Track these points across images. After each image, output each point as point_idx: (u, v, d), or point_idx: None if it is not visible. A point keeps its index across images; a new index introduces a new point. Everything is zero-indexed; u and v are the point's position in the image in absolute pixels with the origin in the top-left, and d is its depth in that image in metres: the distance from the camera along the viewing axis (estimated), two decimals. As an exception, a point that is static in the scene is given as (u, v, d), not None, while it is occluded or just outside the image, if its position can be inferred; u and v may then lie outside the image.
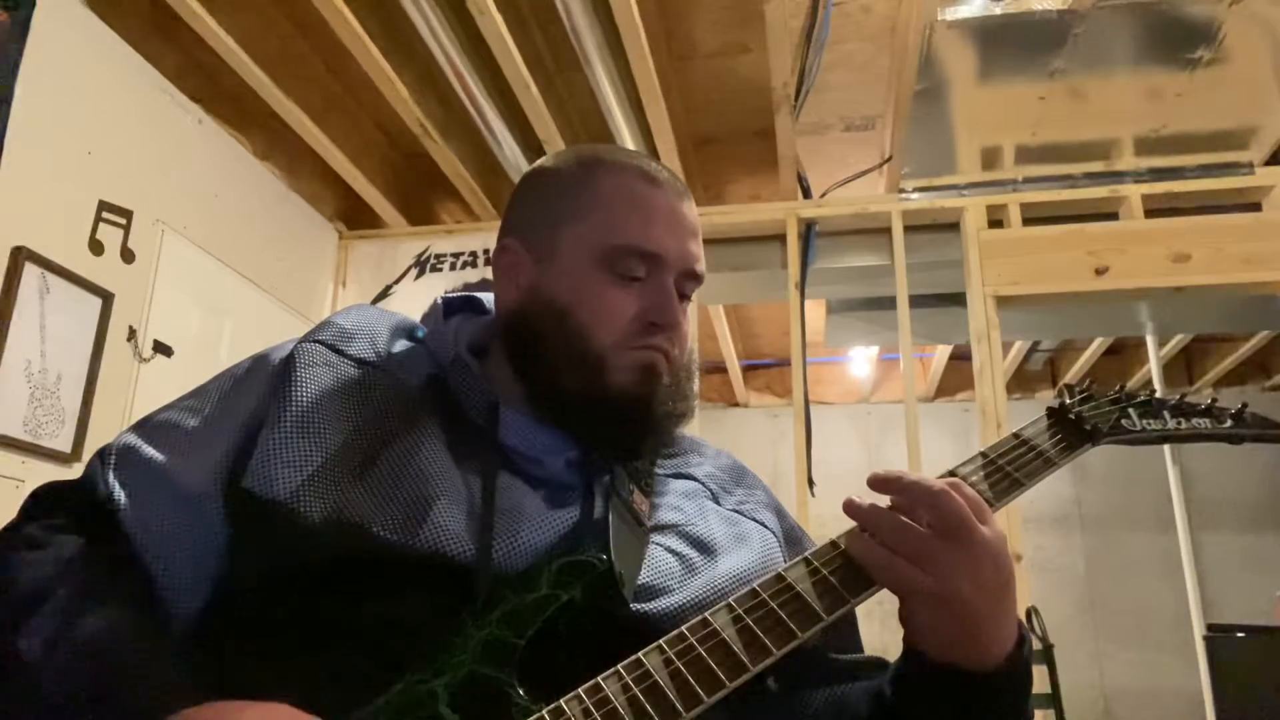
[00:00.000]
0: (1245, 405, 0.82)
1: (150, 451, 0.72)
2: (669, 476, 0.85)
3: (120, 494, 0.70)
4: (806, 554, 0.68)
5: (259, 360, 0.79)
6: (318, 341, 0.78)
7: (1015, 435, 0.78)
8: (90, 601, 0.63)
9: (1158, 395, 0.84)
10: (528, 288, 0.80)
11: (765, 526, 0.84)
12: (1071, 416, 0.80)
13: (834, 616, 0.63)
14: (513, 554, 0.68)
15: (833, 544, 0.69)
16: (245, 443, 0.71)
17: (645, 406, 0.76)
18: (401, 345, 0.82)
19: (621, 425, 0.76)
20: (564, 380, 0.75)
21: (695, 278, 0.81)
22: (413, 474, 0.70)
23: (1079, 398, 0.83)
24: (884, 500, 0.67)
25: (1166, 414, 0.82)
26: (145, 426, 0.76)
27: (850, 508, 0.66)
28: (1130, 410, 0.82)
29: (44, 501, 0.73)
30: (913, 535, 0.62)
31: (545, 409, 0.77)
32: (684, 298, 0.81)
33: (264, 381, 0.76)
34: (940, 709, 0.65)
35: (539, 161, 0.88)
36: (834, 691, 0.78)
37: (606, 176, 0.80)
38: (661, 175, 0.81)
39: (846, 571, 0.66)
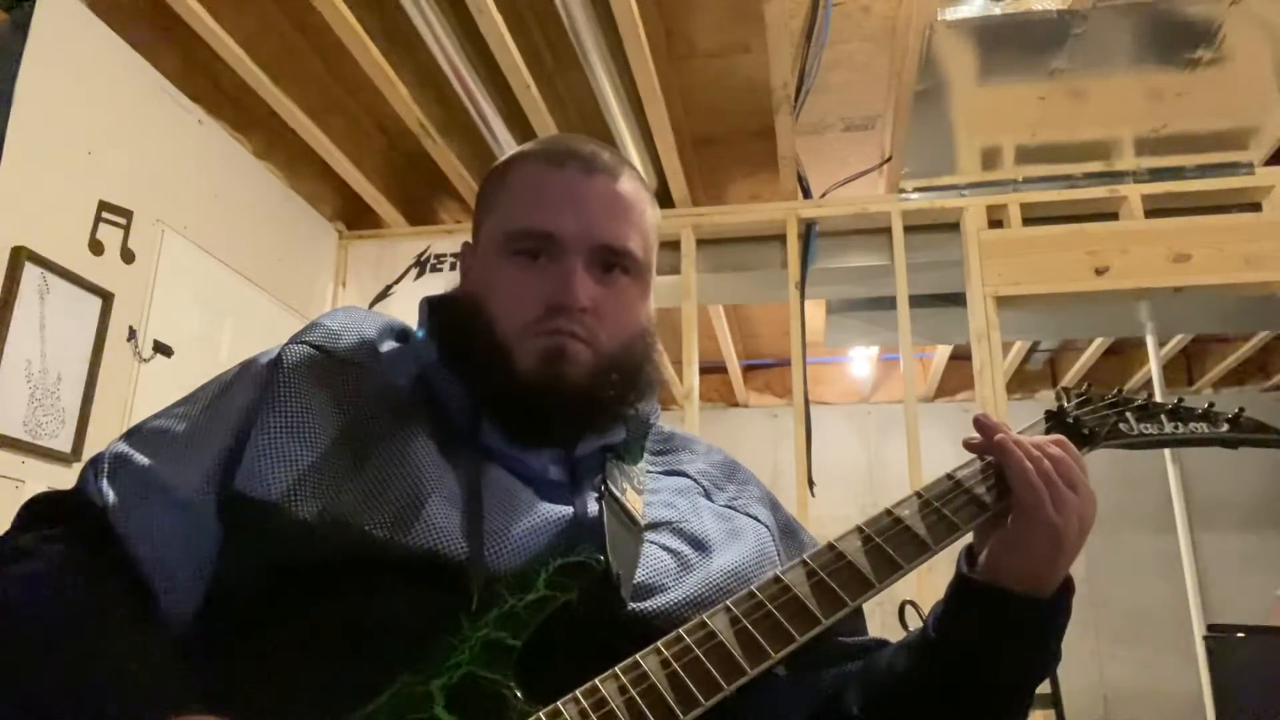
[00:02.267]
0: (1242, 410, 0.83)
1: (142, 459, 0.72)
2: (661, 474, 0.85)
3: (114, 501, 0.70)
4: (805, 556, 0.68)
5: (246, 365, 0.80)
6: (305, 343, 0.78)
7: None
8: (87, 609, 0.63)
9: (1155, 399, 0.84)
10: (464, 284, 0.84)
11: (759, 521, 0.84)
12: (1069, 420, 0.80)
13: (832, 620, 0.64)
14: (504, 552, 0.68)
15: (830, 546, 0.69)
16: (236, 445, 0.71)
17: (553, 393, 0.74)
18: (389, 346, 0.82)
19: (532, 412, 0.75)
20: (480, 371, 0.76)
21: (615, 252, 0.78)
22: (403, 472, 0.70)
23: (1076, 401, 0.83)
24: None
25: (1163, 418, 0.82)
26: (136, 434, 0.76)
27: (1012, 441, 0.73)
28: (1128, 414, 0.82)
29: (37, 512, 0.73)
30: (1048, 471, 0.71)
31: (481, 403, 0.76)
32: (614, 272, 0.79)
33: (252, 384, 0.76)
34: (994, 628, 0.71)
35: None
36: (843, 669, 0.78)
37: (518, 167, 0.82)
38: (576, 155, 0.80)
39: (845, 574, 0.66)
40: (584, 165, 0.80)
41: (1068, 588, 0.72)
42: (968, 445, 0.76)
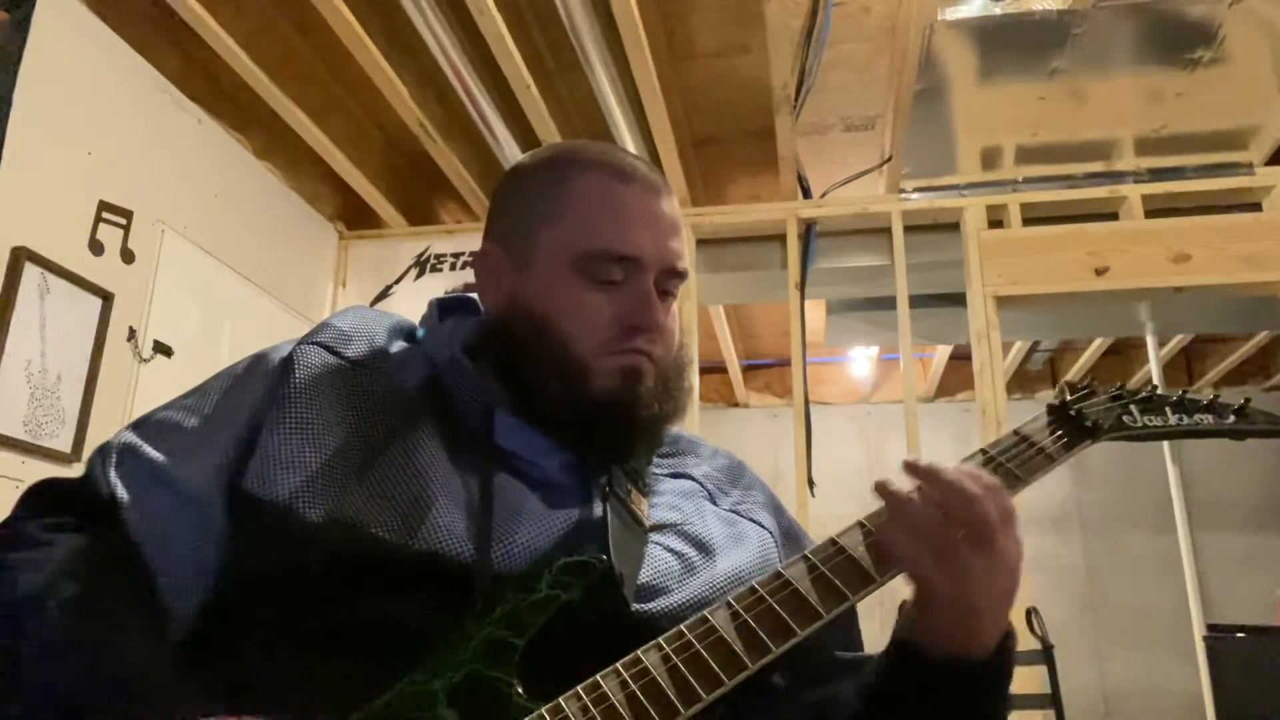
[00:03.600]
0: (1248, 400, 0.82)
1: (151, 451, 0.72)
2: (666, 476, 0.85)
3: (122, 492, 0.69)
4: (806, 552, 0.68)
5: (257, 359, 0.79)
6: (316, 343, 0.78)
7: (1016, 432, 0.78)
8: (91, 601, 0.63)
9: (1159, 391, 0.84)
10: (508, 294, 0.79)
11: (763, 527, 0.84)
12: (1072, 413, 0.80)
13: (833, 614, 0.64)
14: (511, 554, 0.68)
15: (832, 541, 0.69)
16: (245, 443, 0.71)
17: (629, 410, 0.75)
18: (399, 347, 0.82)
19: (607, 430, 0.75)
20: (547, 388, 0.75)
21: (677, 275, 0.79)
22: (411, 474, 0.70)
23: (1080, 394, 0.83)
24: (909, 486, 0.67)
25: (1168, 410, 0.81)
26: (145, 425, 0.75)
27: (886, 492, 0.66)
28: (1132, 406, 0.81)
29: (42, 499, 0.73)
30: (943, 536, 0.63)
31: (532, 416, 0.76)
32: (667, 295, 0.80)
33: (263, 382, 0.75)
34: (928, 695, 0.67)
35: (517, 161, 0.88)
36: (831, 689, 0.78)
37: (579, 176, 0.79)
38: (637, 172, 0.80)
39: (846, 569, 0.66)
40: (649, 183, 0.80)
41: (1005, 645, 0.66)
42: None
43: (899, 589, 0.73)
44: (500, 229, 0.83)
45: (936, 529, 0.63)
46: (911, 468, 0.65)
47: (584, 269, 0.76)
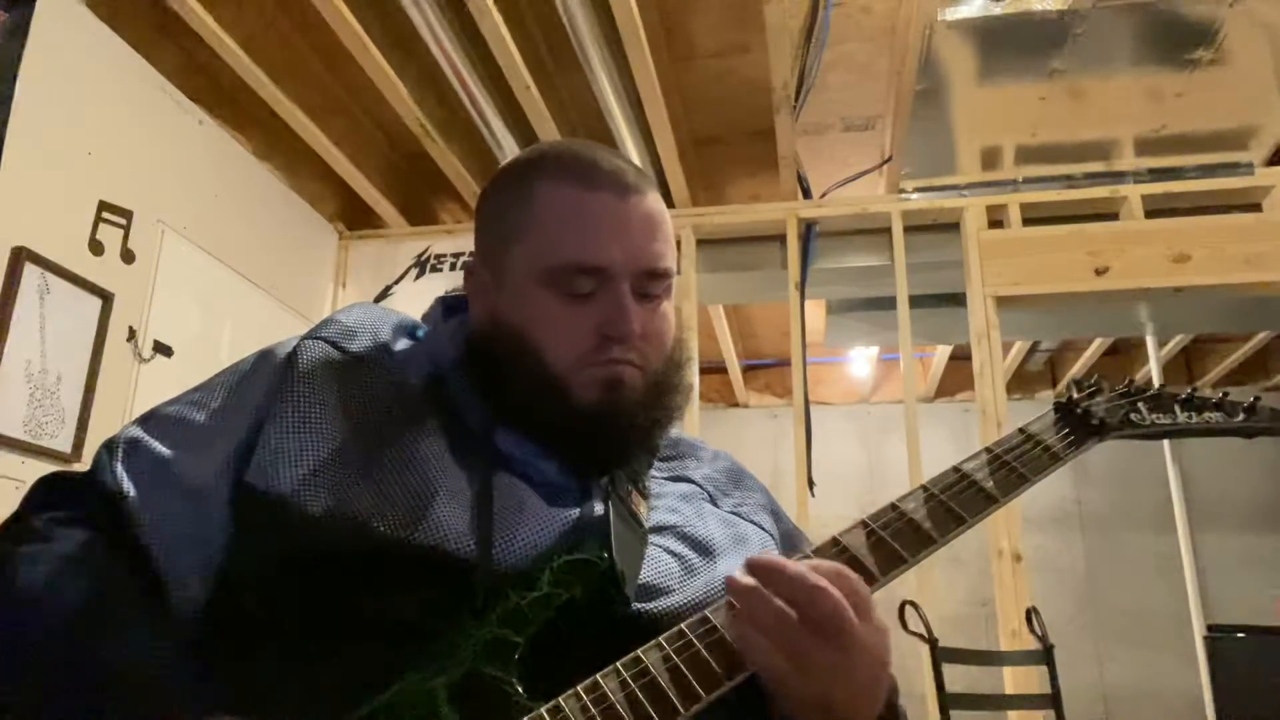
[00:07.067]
0: (1258, 398, 0.81)
1: (158, 445, 0.72)
2: (667, 479, 0.85)
3: (128, 487, 0.69)
4: (807, 552, 0.68)
5: (264, 356, 0.79)
6: (320, 338, 0.78)
7: (1021, 430, 0.78)
8: (95, 596, 0.63)
9: (1167, 388, 0.83)
10: (490, 311, 0.79)
11: (763, 529, 0.84)
12: (1079, 411, 0.79)
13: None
14: (512, 551, 0.68)
15: (834, 540, 0.69)
16: (250, 438, 0.71)
17: (613, 421, 0.74)
18: (403, 344, 0.82)
19: (594, 442, 0.75)
20: (531, 404, 0.74)
21: (657, 275, 0.77)
22: (413, 471, 0.70)
23: (1086, 392, 0.82)
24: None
25: (1177, 408, 0.80)
26: (152, 420, 0.75)
27: (731, 585, 0.61)
28: (1139, 404, 0.80)
29: (49, 492, 0.73)
30: (789, 629, 0.58)
31: (522, 429, 0.76)
32: (650, 298, 0.78)
33: (268, 377, 0.76)
34: None
35: (494, 173, 0.87)
36: None
37: (542, 188, 0.78)
38: (602, 172, 0.78)
39: (849, 567, 0.66)
40: (616, 185, 0.77)
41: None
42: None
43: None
44: (481, 246, 0.83)
45: (782, 623, 0.58)
46: (751, 567, 0.61)
47: (553, 284, 0.75)
